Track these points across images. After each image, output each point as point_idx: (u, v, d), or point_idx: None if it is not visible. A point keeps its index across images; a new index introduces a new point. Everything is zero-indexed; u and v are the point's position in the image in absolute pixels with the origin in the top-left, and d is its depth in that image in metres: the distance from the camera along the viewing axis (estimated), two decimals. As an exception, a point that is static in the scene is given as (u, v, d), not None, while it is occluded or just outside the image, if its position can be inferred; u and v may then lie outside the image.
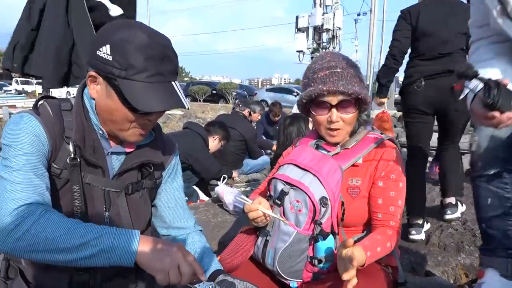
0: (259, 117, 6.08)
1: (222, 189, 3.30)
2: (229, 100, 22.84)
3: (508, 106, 1.08)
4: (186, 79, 70.65)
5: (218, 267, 1.31)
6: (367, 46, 16.33)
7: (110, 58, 1.05)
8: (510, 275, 1.52)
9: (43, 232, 0.98)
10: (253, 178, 4.69)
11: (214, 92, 24.02)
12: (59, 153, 1.13)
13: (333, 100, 1.37)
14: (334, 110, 1.38)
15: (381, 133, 1.49)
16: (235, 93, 23.71)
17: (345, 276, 1.13)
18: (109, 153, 1.22)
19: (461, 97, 1.28)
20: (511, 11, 1.19)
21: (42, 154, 1.09)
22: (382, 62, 3.19)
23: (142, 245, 1.04)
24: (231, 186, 3.71)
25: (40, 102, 1.17)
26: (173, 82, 1.12)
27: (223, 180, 3.40)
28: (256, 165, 5.05)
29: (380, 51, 15.33)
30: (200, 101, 22.32)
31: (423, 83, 2.78)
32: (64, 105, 1.18)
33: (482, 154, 1.54)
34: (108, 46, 1.05)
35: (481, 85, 1.09)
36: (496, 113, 1.09)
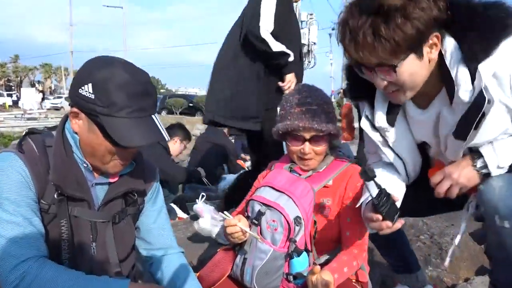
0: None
1: (201, 207, 3.35)
2: (206, 113, 22.82)
3: (390, 216, 1.26)
4: (162, 90, 70.24)
5: None
6: (341, 60, 16.73)
7: (92, 96, 1.10)
8: None
9: None
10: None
11: (191, 105, 23.98)
12: (47, 190, 1.16)
13: (307, 135, 1.50)
14: (307, 143, 1.51)
15: (348, 157, 1.62)
16: (212, 106, 23.72)
17: None
18: (94, 185, 1.26)
19: (358, 204, 1.43)
20: (391, 141, 1.43)
21: (30, 198, 1.13)
22: None
23: None
24: (210, 204, 3.76)
25: (25, 139, 1.19)
26: (153, 116, 1.19)
27: (201, 198, 3.46)
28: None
29: (354, 66, 15.74)
30: (176, 114, 22.25)
31: None
32: (48, 141, 1.21)
33: None
34: (90, 84, 1.10)
35: (376, 191, 1.24)
36: (379, 217, 1.25)
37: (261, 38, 2.70)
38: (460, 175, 1.30)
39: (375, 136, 1.46)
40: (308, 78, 16.92)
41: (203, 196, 3.48)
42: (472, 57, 1.16)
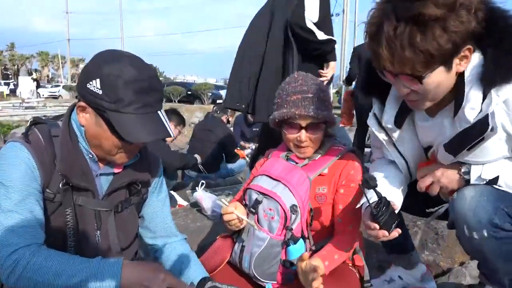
0: (231, 118, 6.14)
1: (201, 195, 3.39)
2: (204, 101, 22.78)
3: (388, 226, 1.27)
4: (160, 79, 69.84)
5: (204, 274, 1.43)
6: (340, 46, 16.67)
7: (100, 92, 1.12)
8: None
9: (33, 276, 1.07)
10: (230, 182, 4.79)
11: (189, 92, 23.86)
12: (52, 179, 1.19)
13: (303, 122, 1.51)
14: (303, 131, 1.52)
15: (344, 145, 1.65)
16: (210, 94, 23.67)
17: (315, 285, 1.27)
18: (98, 175, 1.29)
19: (358, 205, 1.45)
20: (397, 141, 1.43)
21: (33, 188, 1.15)
22: None
23: (126, 276, 1.11)
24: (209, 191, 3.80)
25: (31, 129, 1.21)
26: (159, 112, 1.20)
27: (201, 186, 3.49)
28: (233, 168, 5.15)
29: (353, 52, 15.71)
30: (175, 102, 22.19)
31: None
32: (54, 131, 1.22)
33: None
34: (98, 80, 1.12)
35: (375, 198, 1.26)
36: (376, 226, 1.26)
37: (308, 28, 2.73)
38: (443, 174, 1.32)
39: (381, 135, 1.46)
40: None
41: (202, 184, 3.52)
42: (491, 79, 1.13)
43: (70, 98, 27.88)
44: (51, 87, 36.89)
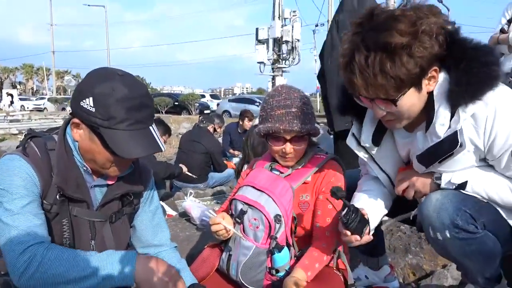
0: (219, 130, 6.18)
1: (189, 204, 3.42)
2: (192, 112, 22.79)
3: (359, 230, 1.38)
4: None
5: (193, 280, 1.48)
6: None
7: (93, 109, 1.17)
8: None
9: (49, 270, 1.13)
10: (218, 191, 4.82)
11: (176, 103, 23.87)
12: (49, 191, 1.24)
13: (288, 136, 1.57)
14: (288, 143, 1.58)
15: (326, 153, 1.72)
16: (197, 104, 23.70)
17: None
18: (92, 186, 1.34)
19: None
20: (377, 158, 1.52)
21: (35, 194, 1.21)
22: None
23: (139, 267, 1.19)
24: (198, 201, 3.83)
25: (27, 143, 1.26)
26: (150, 127, 1.26)
27: (189, 195, 3.53)
28: (221, 178, 5.17)
29: (338, 61, 15.93)
30: (162, 112, 22.14)
31: None
32: (50, 144, 1.28)
33: None
34: (91, 98, 1.17)
35: (345, 209, 1.36)
36: (348, 232, 1.36)
37: None
38: (418, 179, 1.42)
39: (361, 153, 1.54)
40: (293, 74, 17.04)
41: (191, 193, 3.55)
42: (456, 97, 1.21)
43: (55, 111, 27.60)
44: (36, 99, 36.46)
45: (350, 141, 1.55)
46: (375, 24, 1.18)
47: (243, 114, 6.71)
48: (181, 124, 13.89)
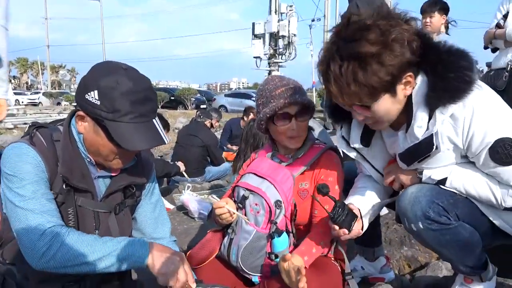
0: (217, 124, 6.20)
1: (187, 198, 3.45)
2: (188, 106, 22.75)
3: (346, 224, 1.43)
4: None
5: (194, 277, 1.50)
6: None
7: (98, 102, 1.19)
8: None
9: (70, 251, 1.16)
10: (215, 185, 4.85)
11: (172, 98, 23.79)
12: (55, 180, 1.26)
13: (292, 110, 1.62)
14: (293, 119, 1.63)
15: (324, 143, 1.76)
16: (194, 99, 23.65)
17: (301, 285, 1.36)
18: (96, 177, 1.36)
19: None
20: (368, 158, 1.57)
21: (44, 181, 1.23)
22: None
23: (152, 252, 1.23)
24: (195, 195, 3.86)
25: (33, 133, 1.28)
26: (153, 120, 1.28)
27: (187, 189, 3.55)
28: (218, 172, 5.20)
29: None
30: (158, 107, 22.04)
31: None
32: (56, 135, 1.30)
33: None
34: (96, 91, 1.19)
35: (332, 204, 1.42)
36: (336, 227, 1.42)
37: None
38: (402, 173, 1.48)
39: (352, 154, 1.59)
40: (289, 69, 17.06)
41: (189, 187, 3.58)
42: (433, 101, 1.26)
43: (50, 105, 27.44)
44: (30, 94, 36.21)
45: (340, 143, 1.60)
46: (348, 34, 1.23)
47: (247, 110, 6.67)
48: (177, 119, 13.88)
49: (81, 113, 1.25)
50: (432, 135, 1.28)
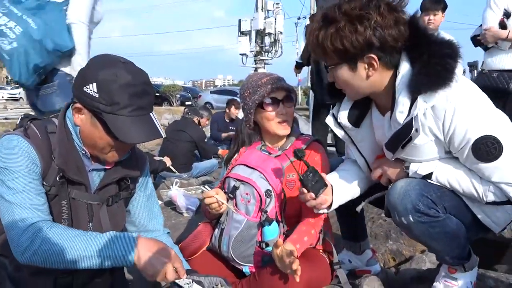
0: (207, 123, 6.23)
1: (175, 193, 3.45)
2: (173, 103, 22.58)
3: (314, 189, 1.48)
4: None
5: (187, 267, 1.52)
6: (308, 47, 16.94)
7: (96, 95, 1.19)
8: None
9: (52, 246, 1.15)
10: (202, 181, 4.86)
11: (157, 94, 23.51)
12: (49, 173, 1.26)
13: (280, 95, 1.71)
14: (281, 103, 1.71)
15: (309, 136, 1.83)
16: (179, 96, 23.50)
17: (294, 266, 1.39)
18: (91, 170, 1.36)
19: None
20: (356, 141, 1.61)
21: (37, 174, 1.22)
22: None
23: (138, 250, 1.21)
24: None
25: (27, 125, 1.27)
26: (151, 114, 1.29)
27: (175, 184, 3.55)
28: (205, 168, 5.21)
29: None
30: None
31: None
32: (50, 127, 1.30)
33: None
34: (94, 84, 1.19)
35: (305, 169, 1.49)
36: (305, 190, 1.47)
37: None
38: (389, 167, 1.52)
39: (339, 132, 1.61)
40: (276, 66, 17.06)
41: (177, 182, 3.58)
42: (416, 88, 1.30)
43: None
44: (10, 88, 35.41)
45: (329, 120, 1.63)
46: (341, 3, 1.33)
47: (230, 103, 6.83)
48: (163, 115, 13.78)
49: (78, 105, 1.25)
50: (411, 119, 1.31)
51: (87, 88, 1.20)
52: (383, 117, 1.51)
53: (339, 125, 1.59)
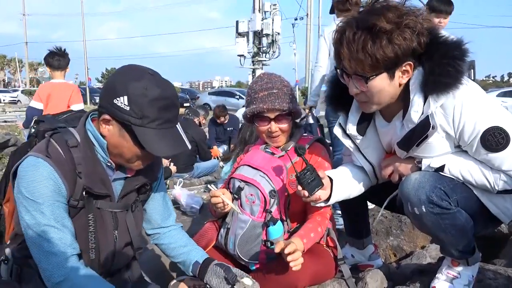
0: (205, 121, 6.28)
1: (179, 192, 3.49)
2: (171, 104, 22.51)
3: (309, 188, 1.53)
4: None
5: (206, 256, 1.58)
6: (305, 49, 17.01)
7: (127, 108, 1.21)
8: None
9: None
10: (204, 181, 4.91)
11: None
12: (75, 188, 1.28)
13: (271, 114, 1.71)
14: (272, 122, 1.72)
15: (312, 135, 1.85)
16: (177, 97, 23.46)
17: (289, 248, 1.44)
18: (113, 180, 1.39)
19: None
20: (362, 148, 1.65)
21: (61, 201, 1.26)
22: None
23: None
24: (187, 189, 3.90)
25: (48, 143, 1.28)
26: (177, 126, 1.33)
27: (179, 184, 3.60)
28: (206, 168, 5.26)
29: (317, 55, 16.12)
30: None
31: None
32: (71, 141, 1.30)
33: None
34: (125, 97, 1.21)
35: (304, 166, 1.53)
36: (300, 187, 1.52)
37: None
38: (401, 164, 1.57)
39: (347, 142, 1.66)
40: (273, 67, 17.15)
41: (181, 181, 3.62)
42: (429, 88, 1.36)
43: (29, 103, 26.82)
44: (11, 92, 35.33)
45: (337, 131, 1.67)
46: (370, 9, 1.36)
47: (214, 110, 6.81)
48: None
49: (107, 116, 1.26)
50: (427, 116, 1.37)
51: (117, 100, 1.22)
52: (388, 123, 1.56)
53: (347, 135, 1.64)
